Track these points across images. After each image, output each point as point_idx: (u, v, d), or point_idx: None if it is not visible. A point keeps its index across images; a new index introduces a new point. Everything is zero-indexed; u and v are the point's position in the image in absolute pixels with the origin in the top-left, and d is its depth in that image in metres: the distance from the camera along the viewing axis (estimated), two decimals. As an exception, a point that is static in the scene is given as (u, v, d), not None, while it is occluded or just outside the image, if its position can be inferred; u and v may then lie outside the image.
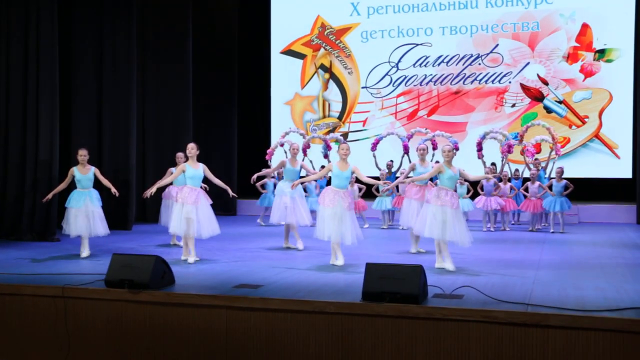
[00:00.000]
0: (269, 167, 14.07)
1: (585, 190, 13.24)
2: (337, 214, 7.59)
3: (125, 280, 5.94)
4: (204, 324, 5.71)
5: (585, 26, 14.55)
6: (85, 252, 8.45)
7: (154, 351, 5.84)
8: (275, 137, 15.67)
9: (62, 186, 8.86)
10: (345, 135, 14.58)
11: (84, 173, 8.62)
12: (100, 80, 11.98)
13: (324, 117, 16.35)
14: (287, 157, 9.73)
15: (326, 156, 13.54)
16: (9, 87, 10.43)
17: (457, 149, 12.74)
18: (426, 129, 13.42)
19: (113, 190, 8.71)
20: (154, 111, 13.53)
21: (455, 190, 7.78)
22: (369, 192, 12.58)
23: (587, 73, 14.55)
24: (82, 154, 8.64)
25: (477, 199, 11.99)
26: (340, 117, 16.22)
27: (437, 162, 12.78)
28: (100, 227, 8.63)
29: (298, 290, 6.01)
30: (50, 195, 8.92)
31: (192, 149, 8.24)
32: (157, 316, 5.85)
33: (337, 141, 13.99)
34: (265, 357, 5.55)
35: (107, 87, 11.99)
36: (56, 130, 10.53)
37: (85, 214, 8.52)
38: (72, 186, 8.73)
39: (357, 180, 12.41)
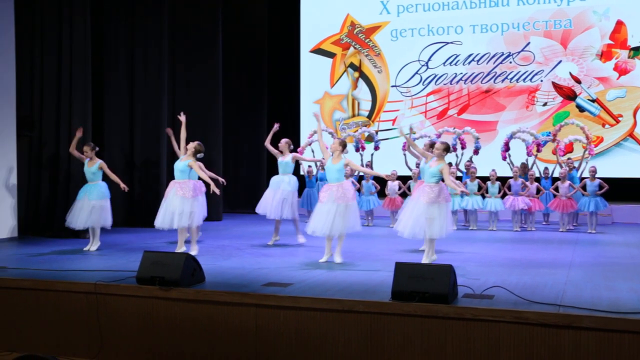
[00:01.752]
0: (298, 165, 14.15)
1: (618, 190, 13.01)
2: (325, 209, 7.68)
3: (156, 278, 6.00)
4: (233, 321, 5.75)
5: (619, 23, 14.30)
6: (90, 246, 8.80)
7: (183, 348, 5.90)
8: (304, 136, 15.69)
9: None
10: (375, 133, 14.53)
11: (89, 166, 9.02)
12: (131, 80, 12.13)
13: (354, 116, 16.33)
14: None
15: (357, 150, 13.59)
16: (43, 87, 10.63)
17: (476, 153, 12.75)
18: (454, 129, 13.37)
19: (122, 185, 8.96)
20: (184, 109, 13.45)
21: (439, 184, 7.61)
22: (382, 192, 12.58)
23: (622, 71, 14.30)
24: (86, 150, 9.04)
25: (504, 199, 11.88)
26: (369, 116, 16.18)
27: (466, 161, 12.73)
28: (96, 219, 8.84)
29: (327, 288, 6.01)
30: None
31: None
32: (187, 313, 5.91)
33: (370, 138, 14.02)
34: (294, 355, 5.57)
35: (138, 86, 12.13)
36: (89, 129, 10.69)
37: (81, 206, 8.86)
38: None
39: (397, 178, 12.40)
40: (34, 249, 9.01)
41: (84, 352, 6.16)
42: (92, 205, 8.86)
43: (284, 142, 9.78)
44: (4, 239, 9.84)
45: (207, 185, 8.41)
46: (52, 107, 10.62)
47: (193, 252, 8.10)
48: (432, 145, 8.82)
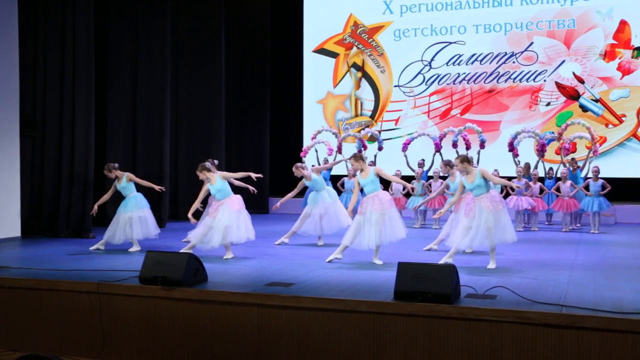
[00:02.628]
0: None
1: (621, 191, 12.98)
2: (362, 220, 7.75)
3: (158, 277, 6.01)
4: (236, 321, 5.75)
5: (623, 23, 14.28)
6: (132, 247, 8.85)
7: (186, 347, 5.90)
8: (307, 136, 15.69)
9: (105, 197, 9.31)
10: (378, 133, 14.53)
11: (118, 183, 9.09)
12: (134, 80, 12.14)
13: (356, 115, 16.33)
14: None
15: (360, 151, 13.57)
16: (46, 87, 10.65)
17: (482, 147, 12.71)
18: (450, 128, 13.37)
19: (156, 187, 9.21)
20: (187, 110, 13.66)
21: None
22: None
23: (625, 71, 14.28)
24: (106, 173, 9.16)
25: (508, 199, 11.85)
26: (372, 116, 16.18)
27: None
28: (136, 231, 8.82)
29: (330, 288, 6.01)
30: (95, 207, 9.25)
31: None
32: (189, 313, 5.91)
33: (373, 138, 14.01)
34: (296, 355, 5.57)
35: (141, 87, 12.14)
36: (92, 128, 10.72)
37: (116, 221, 8.91)
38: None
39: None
40: (36, 248, 9.02)
41: (87, 351, 6.17)
42: (128, 217, 8.83)
43: (297, 168, 9.67)
44: (7, 238, 9.86)
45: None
46: (55, 107, 10.64)
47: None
48: (447, 164, 8.89)
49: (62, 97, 10.62)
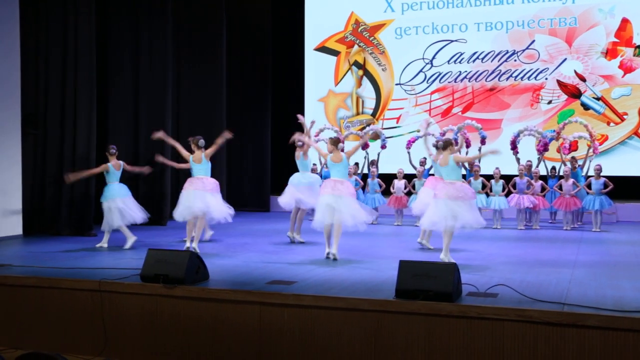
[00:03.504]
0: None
1: (623, 189, 12.98)
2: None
3: (160, 275, 6.01)
4: (237, 319, 5.75)
5: (625, 21, 14.26)
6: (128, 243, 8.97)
7: (187, 346, 5.91)
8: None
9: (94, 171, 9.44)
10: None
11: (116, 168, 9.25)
12: (136, 78, 12.15)
13: (358, 114, 16.32)
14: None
15: (363, 148, 13.57)
16: (47, 85, 10.65)
17: (483, 143, 12.69)
18: (450, 127, 13.35)
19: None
20: (188, 108, 13.66)
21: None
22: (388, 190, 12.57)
23: (627, 69, 14.26)
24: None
25: (510, 197, 11.86)
26: (373, 114, 16.17)
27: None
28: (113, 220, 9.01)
29: (331, 286, 6.01)
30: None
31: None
32: (191, 311, 5.91)
33: (376, 136, 13.99)
34: (298, 353, 5.57)
35: (143, 85, 12.15)
36: (93, 127, 10.73)
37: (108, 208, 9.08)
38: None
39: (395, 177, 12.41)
40: (38, 246, 9.03)
41: (89, 349, 6.18)
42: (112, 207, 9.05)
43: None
44: (9, 236, 9.87)
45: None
46: (57, 106, 10.64)
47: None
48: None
49: (64, 95, 10.62)
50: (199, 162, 8.97)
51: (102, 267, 7.05)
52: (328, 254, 7.91)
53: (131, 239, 8.95)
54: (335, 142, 8.23)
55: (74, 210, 10.51)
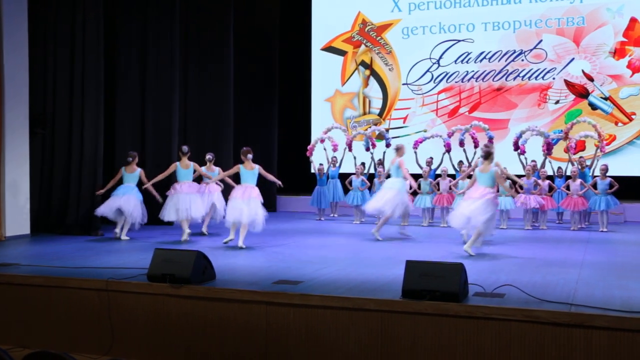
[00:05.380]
0: (309, 163, 14.16)
1: (631, 189, 12.94)
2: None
3: (167, 275, 6.02)
4: (244, 319, 5.76)
5: (633, 20, 14.20)
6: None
7: (194, 345, 5.92)
8: (315, 134, 15.69)
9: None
10: (386, 131, 14.49)
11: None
12: (143, 79, 12.17)
13: (365, 113, 16.32)
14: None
15: (368, 149, 13.56)
16: (55, 84, 10.71)
17: (490, 142, 12.63)
18: (464, 127, 13.32)
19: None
20: (195, 109, 13.68)
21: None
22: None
23: (635, 69, 14.20)
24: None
25: (516, 198, 11.82)
26: (380, 114, 16.16)
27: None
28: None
29: (338, 286, 6.01)
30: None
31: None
32: (198, 311, 5.92)
33: (381, 136, 13.99)
34: (304, 353, 5.57)
35: (150, 85, 12.17)
36: (101, 126, 10.77)
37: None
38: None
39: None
40: (46, 246, 9.07)
41: (96, 348, 6.19)
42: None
43: None
44: (17, 236, 9.91)
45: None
46: (64, 106, 10.70)
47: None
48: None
49: (72, 95, 10.68)
50: (186, 168, 9.90)
51: (109, 267, 7.06)
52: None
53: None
54: (245, 153, 9.27)
55: (81, 210, 10.54)
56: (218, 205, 10.55)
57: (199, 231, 10.53)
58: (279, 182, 10.01)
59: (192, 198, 9.82)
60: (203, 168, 10.43)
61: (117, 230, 9.94)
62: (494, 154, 8.62)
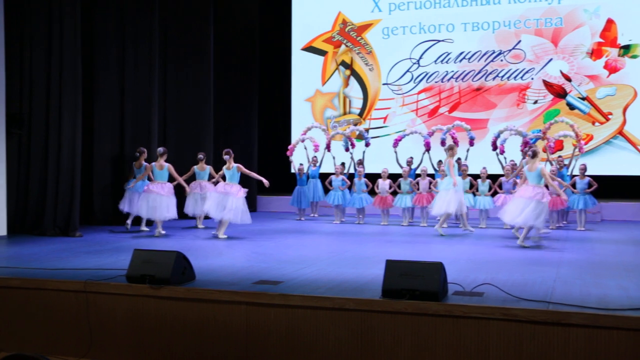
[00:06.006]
0: (289, 163, 14.15)
1: (608, 188, 13.09)
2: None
3: (146, 276, 5.98)
4: (224, 320, 5.74)
5: (610, 22, 14.37)
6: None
7: (174, 346, 5.89)
8: (295, 134, 15.69)
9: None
10: (366, 131, 14.52)
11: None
12: (122, 78, 12.08)
13: (345, 113, 16.34)
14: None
15: (347, 149, 13.56)
16: (32, 84, 10.58)
17: (471, 144, 12.72)
18: (446, 127, 13.38)
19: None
20: (175, 109, 13.61)
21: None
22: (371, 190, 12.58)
23: (612, 69, 14.37)
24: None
25: (496, 197, 11.92)
26: (360, 114, 16.20)
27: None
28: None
29: (318, 286, 6.01)
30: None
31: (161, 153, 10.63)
32: (177, 312, 5.89)
33: (360, 136, 14.01)
34: (284, 353, 5.56)
35: (129, 85, 12.08)
36: (79, 126, 10.65)
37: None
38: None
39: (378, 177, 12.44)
40: (23, 247, 8.96)
41: (73, 350, 6.14)
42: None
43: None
44: (-7, 237, 9.80)
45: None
46: (41, 105, 10.56)
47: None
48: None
49: (49, 95, 10.54)
50: (160, 169, 10.55)
51: (87, 268, 7.00)
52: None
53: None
54: (228, 153, 10.30)
55: (59, 211, 10.43)
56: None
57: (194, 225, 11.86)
58: (262, 179, 10.74)
59: (158, 199, 10.35)
60: (195, 167, 11.51)
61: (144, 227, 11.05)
62: (540, 152, 9.35)
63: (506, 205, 9.76)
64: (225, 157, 10.22)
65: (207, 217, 11.65)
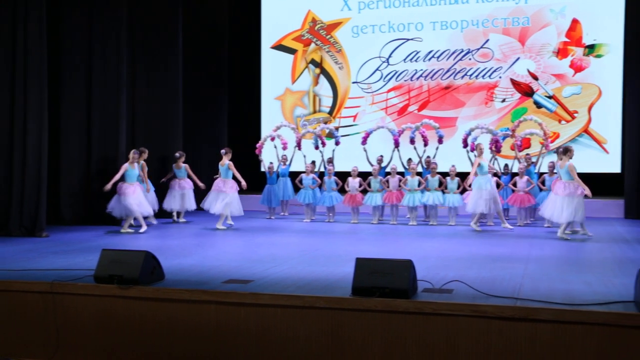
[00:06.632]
0: (259, 161, 14.10)
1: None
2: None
3: (114, 276, 5.92)
4: (193, 319, 5.71)
5: (575, 21, 14.59)
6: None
7: (143, 347, 5.83)
8: (265, 133, 15.62)
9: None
10: (336, 129, 14.53)
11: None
12: (89, 76, 11.91)
13: (315, 112, 16.34)
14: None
15: (317, 148, 13.55)
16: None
17: (440, 142, 12.80)
18: (414, 125, 13.44)
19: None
20: (143, 107, 13.45)
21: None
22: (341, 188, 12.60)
23: (577, 68, 14.60)
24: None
25: (464, 195, 12.02)
26: (330, 112, 16.21)
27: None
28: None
29: (288, 285, 6.01)
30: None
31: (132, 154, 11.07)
32: (146, 312, 5.84)
33: (330, 134, 14.02)
34: (255, 352, 5.55)
35: (96, 83, 11.91)
36: (45, 126, 10.45)
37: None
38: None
39: (358, 175, 12.48)
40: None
41: (40, 353, 6.05)
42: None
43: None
44: (-43, 238, 9.60)
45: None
46: (5, 103, 10.34)
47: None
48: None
49: (13, 95, 10.29)
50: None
51: (54, 269, 6.90)
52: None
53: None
54: (228, 152, 11.63)
55: (25, 211, 10.24)
56: (187, 198, 12.62)
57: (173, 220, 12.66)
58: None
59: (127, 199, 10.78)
60: (173, 166, 12.66)
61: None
62: (572, 151, 9.93)
63: (546, 201, 10.34)
64: (222, 152, 11.76)
65: (179, 214, 12.77)
